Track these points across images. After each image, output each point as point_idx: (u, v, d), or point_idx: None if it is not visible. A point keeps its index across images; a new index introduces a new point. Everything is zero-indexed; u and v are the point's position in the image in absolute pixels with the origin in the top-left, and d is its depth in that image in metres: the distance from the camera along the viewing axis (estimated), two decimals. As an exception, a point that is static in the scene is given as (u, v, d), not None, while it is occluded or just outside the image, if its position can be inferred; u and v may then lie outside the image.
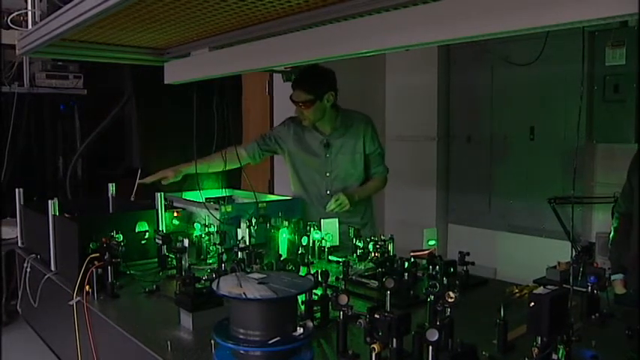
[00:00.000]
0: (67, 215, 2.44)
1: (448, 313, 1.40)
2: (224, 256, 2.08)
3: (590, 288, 1.70)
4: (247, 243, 2.41)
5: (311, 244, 2.48)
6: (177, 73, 2.64)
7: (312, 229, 2.52)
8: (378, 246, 2.29)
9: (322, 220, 2.61)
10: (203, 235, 2.48)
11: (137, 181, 3.03)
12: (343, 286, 1.97)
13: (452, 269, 2.06)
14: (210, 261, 2.42)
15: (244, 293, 1.32)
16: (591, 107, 3.91)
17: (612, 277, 2.52)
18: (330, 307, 1.64)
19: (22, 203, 2.96)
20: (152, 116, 4.68)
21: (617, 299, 2.33)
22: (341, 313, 1.43)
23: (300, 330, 1.33)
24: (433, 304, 1.49)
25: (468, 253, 2.10)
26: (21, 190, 2.96)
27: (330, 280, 1.80)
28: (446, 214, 5.09)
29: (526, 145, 4.41)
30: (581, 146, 3.98)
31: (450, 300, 1.39)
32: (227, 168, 3.00)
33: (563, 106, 4.07)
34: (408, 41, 1.50)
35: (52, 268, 2.39)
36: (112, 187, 3.11)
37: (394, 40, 1.54)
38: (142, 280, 2.16)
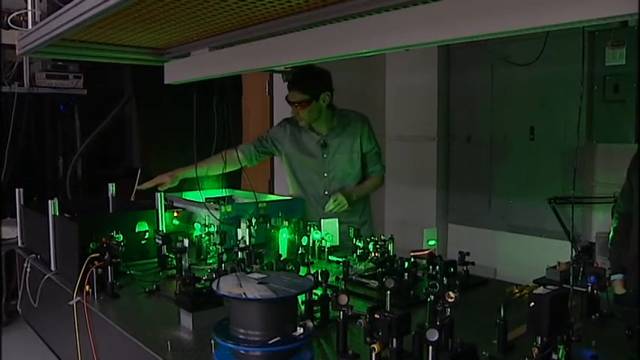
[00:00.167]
0: (67, 215, 2.44)
1: (448, 313, 1.40)
2: (224, 256, 2.08)
3: (590, 288, 1.70)
4: (247, 243, 2.41)
5: (311, 244, 2.48)
6: (177, 73, 2.64)
7: (312, 229, 2.52)
8: (378, 246, 2.29)
9: (322, 220, 2.62)
10: (203, 235, 2.48)
11: (136, 182, 3.03)
12: (343, 286, 1.97)
13: (452, 269, 2.06)
14: (210, 261, 2.41)
15: (244, 293, 1.32)
16: (591, 107, 3.92)
17: (612, 278, 2.52)
18: (330, 307, 1.64)
19: (22, 203, 2.96)
20: (152, 116, 4.68)
21: (617, 299, 2.33)
22: (341, 313, 1.43)
23: (300, 330, 1.33)
24: (433, 304, 1.49)
25: (468, 253, 2.10)
26: (21, 190, 2.96)
27: (330, 280, 1.80)
28: (446, 214, 5.09)
29: (526, 145, 4.41)
30: (581, 146, 3.98)
31: (450, 300, 1.39)
32: (226, 170, 3.00)
33: (563, 106, 4.07)
34: (408, 41, 1.50)
35: (52, 268, 2.39)
36: (112, 187, 3.11)
37: (394, 40, 1.54)
38: (142, 280, 2.16)
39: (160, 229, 2.46)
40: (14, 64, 4.33)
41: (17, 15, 2.50)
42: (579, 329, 1.35)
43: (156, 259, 2.37)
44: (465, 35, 1.34)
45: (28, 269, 2.60)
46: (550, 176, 4.18)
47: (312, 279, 1.59)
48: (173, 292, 1.84)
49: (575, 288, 1.69)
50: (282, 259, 2.13)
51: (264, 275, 1.47)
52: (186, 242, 2.19)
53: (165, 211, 2.52)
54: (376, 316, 1.28)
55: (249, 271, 1.83)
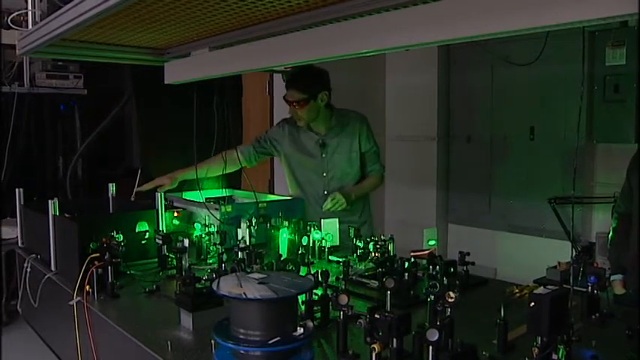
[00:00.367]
0: (67, 215, 2.44)
1: (448, 313, 1.40)
2: (224, 256, 2.08)
3: (590, 288, 1.70)
4: (247, 243, 2.41)
5: (311, 244, 2.48)
6: (177, 73, 2.64)
7: (312, 229, 2.52)
8: (378, 246, 2.29)
9: (322, 220, 2.62)
10: (203, 235, 2.48)
11: (137, 183, 3.03)
12: (343, 286, 1.97)
13: (452, 269, 2.06)
14: (211, 261, 2.41)
15: (244, 293, 1.32)
16: (591, 107, 3.92)
17: (612, 278, 2.52)
18: (331, 307, 1.64)
19: (22, 203, 2.96)
20: (152, 116, 4.69)
21: (617, 300, 2.32)
22: (341, 313, 1.43)
23: (300, 330, 1.33)
24: (433, 304, 1.49)
25: (468, 253, 2.10)
26: (21, 190, 2.96)
27: (330, 280, 1.80)
28: (446, 214, 5.09)
29: (526, 145, 4.41)
30: (582, 146, 3.98)
31: (450, 300, 1.39)
32: (226, 171, 3.00)
33: (564, 106, 4.07)
34: (408, 41, 1.50)
35: (52, 268, 2.39)
36: (112, 187, 3.11)
37: (394, 40, 1.54)
38: (142, 280, 2.16)
39: (160, 229, 2.46)
40: (14, 64, 4.33)
41: (17, 15, 2.50)
42: (579, 329, 1.35)
43: (156, 259, 2.37)
44: (465, 35, 1.34)
45: (29, 269, 2.60)
46: (550, 176, 4.18)
47: (313, 279, 1.59)
48: (173, 292, 1.84)
49: (575, 288, 1.69)
50: (282, 259, 2.13)
51: (265, 275, 1.48)
52: (186, 242, 2.19)
53: (165, 211, 2.52)
54: (376, 316, 1.28)
55: (249, 271, 1.83)
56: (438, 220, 5.00)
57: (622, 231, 2.61)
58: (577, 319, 1.60)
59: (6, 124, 4.27)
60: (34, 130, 4.51)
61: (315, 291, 1.67)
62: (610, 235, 2.71)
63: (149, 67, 2.78)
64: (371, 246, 2.32)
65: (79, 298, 1.97)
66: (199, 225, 2.51)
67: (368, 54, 1.70)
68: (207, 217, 2.61)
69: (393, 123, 5.19)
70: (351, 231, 2.50)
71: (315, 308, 1.66)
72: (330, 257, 2.48)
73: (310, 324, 1.36)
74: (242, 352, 1.33)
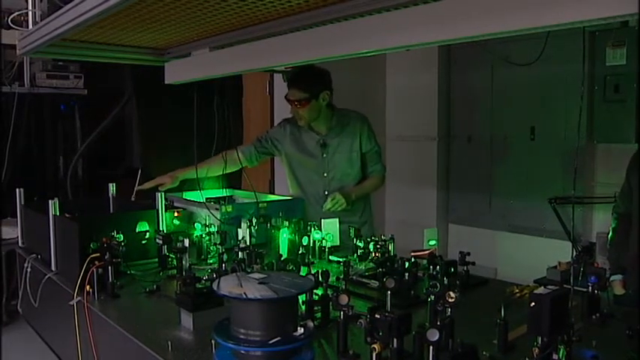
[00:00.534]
0: (67, 215, 2.44)
1: (449, 313, 1.40)
2: (224, 256, 2.08)
3: (590, 288, 1.70)
4: (248, 243, 2.41)
5: (311, 244, 2.48)
6: (177, 73, 2.64)
7: (312, 229, 2.52)
8: (378, 246, 2.29)
9: (323, 220, 2.62)
10: (203, 235, 2.48)
11: (137, 183, 3.03)
12: (344, 286, 1.97)
13: (452, 269, 2.06)
14: (211, 261, 2.41)
15: (245, 293, 1.32)
16: (592, 107, 3.92)
17: (611, 278, 2.52)
18: (331, 307, 1.64)
19: (22, 203, 2.96)
20: (152, 116, 4.68)
21: (617, 300, 2.32)
22: (341, 313, 1.43)
23: (300, 330, 1.33)
24: (434, 304, 1.49)
25: (468, 253, 2.10)
26: (21, 190, 2.96)
27: (330, 280, 1.80)
28: (446, 214, 5.09)
29: (526, 145, 4.41)
30: (582, 146, 3.98)
31: (450, 300, 1.39)
32: (226, 171, 3.00)
33: (564, 106, 4.07)
34: (408, 41, 1.50)
35: (53, 268, 2.39)
36: (112, 187, 3.11)
37: (394, 40, 1.54)
38: (143, 280, 2.16)
39: (161, 229, 2.47)
40: (15, 64, 4.33)
41: (18, 15, 2.50)
42: (580, 329, 1.36)
43: (156, 259, 2.37)
44: (466, 35, 1.34)
45: (29, 269, 2.60)
46: (550, 176, 4.18)
47: (313, 279, 1.59)
48: (173, 292, 1.84)
49: (575, 288, 1.69)
50: (282, 259, 2.13)
51: (265, 275, 1.48)
52: (186, 242, 2.19)
53: (165, 211, 2.52)
54: (377, 316, 1.28)
55: (249, 271, 1.83)
56: (438, 220, 5.00)
57: (622, 231, 2.61)
58: (577, 319, 1.60)
59: (6, 124, 4.27)
60: (35, 130, 4.51)
61: (315, 291, 1.67)
62: (610, 236, 2.71)
63: (149, 67, 2.78)
64: (371, 246, 2.32)
65: (79, 298, 1.97)
66: (200, 225, 2.51)
67: (368, 54, 1.70)
68: (207, 217, 2.61)
69: (394, 123, 5.19)
70: (352, 231, 2.50)
71: (316, 308, 1.66)
72: (331, 257, 2.48)
73: (310, 324, 1.36)
74: (242, 352, 1.33)
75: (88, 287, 1.98)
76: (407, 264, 2.00)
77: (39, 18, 2.25)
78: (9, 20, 2.53)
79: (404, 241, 2.44)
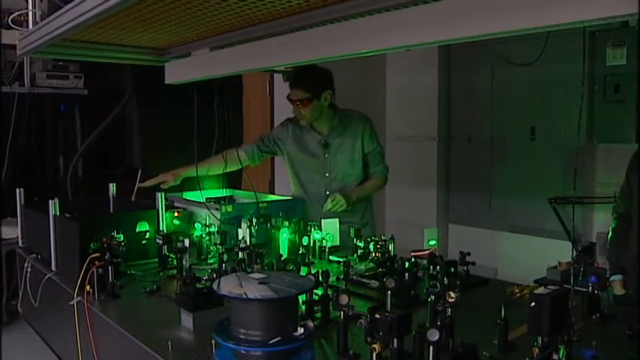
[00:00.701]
0: (67, 215, 2.44)
1: (449, 313, 1.40)
2: (225, 256, 2.07)
3: (590, 288, 1.70)
4: (248, 243, 2.41)
5: (312, 244, 2.48)
6: (177, 73, 2.64)
7: (312, 229, 2.51)
8: (378, 246, 2.29)
9: (323, 220, 2.62)
10: (204, 235, 2.48)
11: (137, 182, 3.03)
12: (344, 286, 1.97)
13: (452, 269, 2.06)
14: (211, 261, 2.41)
15: (245, 293, 1.32)
16: (592, 107, 3.92)
17: (611, 278, 2.51)
18: (331, 307, 1.64)
19: (22, 203, 2.96)
20: (153, 116, 4.68)
21: (616, 300, 2.32)
22: (341, 313, 1.43)
23: (300, 330, 1.33)
24: (434, 304, 1.49)
25: (468, 253, 2.10)
26: (21, 189, 2.96)
27: (330, 280, 1.80)
28: (446, 214, 5.09)
29: (526, 145, 4.41)
30: (582, 146, 3.98)
31: (450, 300, 1.39)
32: (227, 170, 3.00)
33: (564, 106, 4.07)
34: (408, 41, 1.50)
35: (53, 268, 2.39)
36: (112, 187, 3.11)
37: (394, 40, 1.54)
38: (143, 280, 2.16)
39: (161, 229, 2.47)
40: (15, 64, 4.33)
41: (18, 15, 2.50)
42: (580, 329, 1.35)
43: (156, 259, 2.37)
44: (466, 35, 1.34)
45: (29, 269, 2.60)
46: (550, 176, 4.17)
47: (313, 279, 1.59)
48: (174, 292, 1.84)
49: (575, 288, 1.69)
50: (282, 259, 2.13)
51: (265, 275, 1.48)
52: (186, 242, 2.19)
53: (165, 211, 2.52)
54: (377, 316, 1.28)
55: (249, 271, 1.83)
56: (438, 220, 5.00)
57: (621, 231, 2.60)
58: (577, 319, 1.60)
59: (6, 123, 4.27)
60: (35, 130, 4.51)
61: (315, 291, 1.67)
62: (609, 236, 2.70)
63: (149, 67, 2.78)
64: (371, 246, 2.32)
65: (79, 298, 1.97)
66: (200, 225, 2.51)
67: (368, 54, 1.70)
68: (207, 217, 2.61)
69: (394, 123, 5.19)
70: (352, 231, 2.50)
71: (316, 308, 1.66)
72: (331, 257, 2.48)
73: (311, 324, 1.36)
74: (242, 352, 1.33)
75: (88, 287, 1.98)
76: (407, 264, 2.00)
77: (39, 18, 2.25)
78: (9, 20, 2.53)
79: (404, 241, 2.44)
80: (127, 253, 2.17)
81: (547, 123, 4.25)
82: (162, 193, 2.51)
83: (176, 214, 2.76)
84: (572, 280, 2.35)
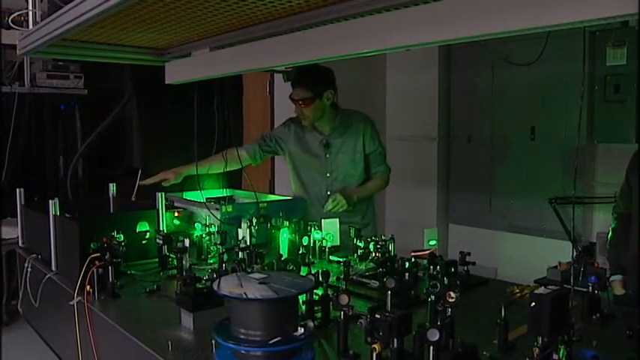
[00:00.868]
0: (67, 215, 2.44)
1: (449, 313, 1.40)
2: (225, 256, 2.08)
3: (590, 288, 1.70)
4: (248, 243, 2.41)
5: (312, 244, 2.48)
6: (177, 73, 2.65)
7: (312, 229, 2.51)
8: (378, 246, 2.29)
9: (323, 220, 2.62)
10: (204, 235, 2.48)
11: (138, 181, 3.03)
12: (344, 286, 1.96)
13: (452, 269, 2.06)
14: (211, 261, 2.41)
15: (245, 293, 1.32)
16: (592, 107, 3.92)
17: (611, 278, 2.51)
18: (331, 307, 1.64)
19: (22, 203, 2.96)
20: (153, 116, 4.69)
21: (616, 300, 2.32)
22: (342, 313, 1.43)
23: (300, 330, 1.33)
24: (434, 304, 1.49)
25: (468, 253, 2.10)
26: (22, 189, 2.97)
27: (330, 280, 1.80)
28: (446, 214, 5.09)
29: (527, 145, 4.41)
30: (582, 146, 3.98)
31: (450, 300, 1.39)
32: (228, 169, 3.00)
33: (564, 106, 4.07)
34: (408, 41, 1.50)
35: (53, 268, 2.39)
36: (112, 187, 3.11)
37: (395, 40, 1.54)
38: (143, 280, 2.16)
39: (161, 229, 2.47)
40: (15, 64, 4.33)
41: (18, 15, 2.50)
42: (580, 329, 1.35)
43: (156, 259, 2.37)
44: (466, 35, 1.34)
45: (29, 269, 2.60)
46: (551, 176, 4.17)
47: (313, 279, 1.59)
48: (174, 292, 1.84)
49: (575, 288, 1.69)
50: (282, 259, 2.13)
51: (265, 275, 1.48)
52: (186, 242, 2.19)
53: (165, 211, 2.52)
54: (377, 316, 1.28)
55: (249, 271, 1.83)
56: (438, 220, 5.00)
57: (621, 231, 2.60)
58: (577, 319, 1.60)
59: (7, 124, 4.27)
60: (35, 130, 4.51)
61: (315, 291, 1.67)
62: (609, 236, 2.70)
63: (150, 67, 2.78)
64: (371, 246, 2.32)
65: (79, 298, 1.97)
66: (200, 225, 2.51)
67: (368, 54, 1.70)
68: (207, 217, 2.61)
69: (394, 123, 5.19)
70: (352, 231, 2.50)
71: (316, 308, 1.66)
72: (331, 257, 2.48)
73: (311, 324, 1.36)
74: (243, 352, 1.33)
75: (88, 287, 1.98)
76: (407, 264, 2.00)
77: (39, 18, 2.25)
78: (9, 20, 2.53)
79: (404, 241, 2.44)
80: (127, 253, 2.17)
81: (547, 123, 4.25)
82: (163, 193, 2.51)
83: (176, 214, 2.76)
84: (572, 280, 2.36)
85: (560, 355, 1.22)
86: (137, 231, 2.42)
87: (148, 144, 4.77)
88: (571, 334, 1.24)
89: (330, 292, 1.70)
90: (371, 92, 5.11)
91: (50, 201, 2.38)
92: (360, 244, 2.42)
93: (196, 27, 2.07)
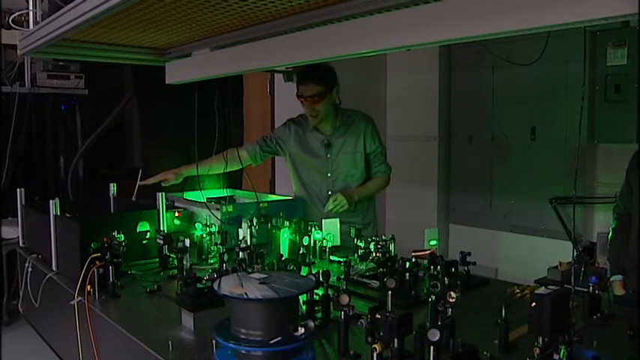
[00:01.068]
0: (68, 215, 2.44)
1: (449, 313, 1.40)
2: (225, 256, 2.08)
3: (591, 288, 1.70)
4: (248, 243, 2.41)
5: (312, 244, 2.48)
6: (178, 73, 2.65)
7: (313, 229, 2.51)
8: (379, 246, 2.29)
9: (323, 220, 2.62)
10: (204, 235, 2.48)
11: (138, 181, 3.03)
12: (344, 286, 1.97)
13: (453, 269, 2.05)
14: (212, 261, 2.42)
15: (246, 293, 1.32)
16: (593, 107, 3.91)
17: (611, 278, 2.51)
18: (332, 307, 1.64)
19: (23, 203, 2.96)
20: (153, 116, 4.69)
21: (617, 300, 2.32)
22: (342, 313, 1.43)
23: (301, 330, 1.33)
24: (434, 304, 1.48)
25: (469, 253, 2.10)
26: (22, 189, 2.97)
27: (331, 280, 1.80)
28: (447, 214, 5.09)
29: (527, 145, 4.41)
30: (583, 146, 3.97)
31: (451, 300, 1.39)
32: (228, 169, 3.00)
33: (565, 106, 4.07)
34: (408, 41, 1.50)
35: (54, 267, 2.39)
36: (113, 187, 3.11)
37: (395, 40, 1.54)
38: (143, 280, 2.16)
39: (162, 229, 2.47)
40: (16, 64, 4.34)
41: (18, 15, 2.51)
42: (581, 329, 1.35)
43: (157, 259, 2.37)
44: (466, 35, 1.34)
45: (30, 269, 2.60)
46: (551, 176, 4.17)
47: (314, 279, 1.60)
48: (174, 292, 1.84)
49: (576, 288, 1.69)
50: (283, 259, 2.13)
51: (266, 275, 1.48)
52: (187, 242, 2.19)
53: (166, 211, 2.52)
54: (377, 316, 1.28)
55: (250, 271, 1.83)
56: (439, 220, 4.99)
57: (621, 231, 2.60)
58: (578, 319, 1.60)
59: (7, 124, 4.28)
60: (36, 130, 4.52)
61: (316, 291, 1.67)
62: (610, 236, 2.70)
63: (150, 67, 2.78)
64: (372, 246, 2.32)
65: (80, 298, 1.97)
66: (200, 225, 2.51)
67: (368, 54, 1.70)
68: (208, 217, 2.61)
69: (394, 123, 5.19)
70: (352, 231, 2.50)
71: (317, 308, 1.66)
72: (331, 257, 2.49)
73: (311, 324, 1.36)
74: (243, 352, 1.33)
75: (88, 287, 1.99)
76: (408, 264, 1.99)
77: (40, 18, 2.25)
78: (10, 20, 2.54)
79: (405, 241, 2.43)
80: (127, 253, 2.18)
81: (548, 123, 4.24)
82: (163, 193, 2.52)
83: (177, 214, 2.76)
84: (572, 280, 2.35)
85: (561, 355, 1.22)
86: (138, 231, 2.42)
87: (149, 144, 4.77)
88: (571, 334, 1.24)
89: (330, 292, 1.69)
90: (371, 92, 5.10)
91: (51, 201, 2.38)
92: (360, 244, 2.42)
93: (197, 27, 2.07)
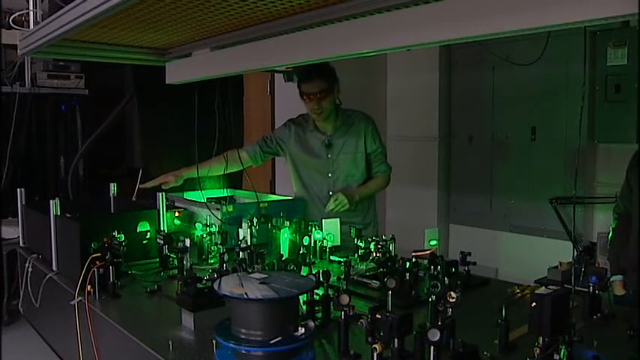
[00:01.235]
0: (68, 215, 2.44)
1: (450, 313, 1.40)
2: (225, 256, 2.08)
3: (591, 288, 1.70)
4: (249, 243, 2.41)
5: (312, 244, 2.48)
6: (178, 73, 2.65)
7: (313, 229, 2.51)
8: (379, 246, 2.29)
9: (323, 220, 2.62)
10: (204, 235, 2.48)
11: (138, 182, 3.03)
12: (344, 286, 1.96)
13: (453, 269, 2.05)
14: (212, 261, 2.42)
15: (246, 293, 1.32)
16: (593, 107, 3.91)
17: (612, 279, 2.51)
18: (332, 307, 1.64)
19: (23, 203, 2.96)
20: (153, 116, 4.69)
21: (617, 300, 2.32)
22: (342, 313, 1.43)
23: (301, 330, 1.33)
24: (435, 304, 1.48)
25: (469, 253, 2.10)
26: (22, 189, 2.97)
27: (331, 280, 1.80)
28: (447, 214, 5.09)
29: (527, 145, 4.41)
30: (583, 146, 3.97)
31: (451, 300, 1.39)
32: (228, 171, 3.00)
33: (565, 106, 4.06)
34: (408, 41, 1.50)
35: (54, 267, 2.39)
36: (113, 187, 3.11)
37: (395, 40, 1.54)
38: (144, 280, 2.16)
39: (162, 229, 2.47)
40: (16, 64, 4.34)
41: (19, 15, 2.51)
42: (581, 329, 1.35)
43: (157, 259, 2.37)
44: (466, 35, 1.34)
45: (30, 269, 2.60)
46: (551, 176, 4.17)
47: (314, 279, 1.60)
48: (174, 292, 1.84)
49: (576, 288, 1.69)
50: (283, 259, 2.13)
51: (266, 275, 1.48)
52: (187, 242, 2.19)
53: (166, 211, 2.52)
54: (378, 316, 1.28)
55: (250, 271, 1.83)
56: (439, 220, 4.99)
57: (621, 231, 2.60)
58: (578, 319, 1.60)
59: (7, 124, 4.28)
60: (36, 130, 4.52)
61: (316, 291, 1.67)
62: (610, 236, 2.71)
63: (150, 67, 2.78)
64: (372, 246, 2.32)
65: (80, 298, 1.97)
66: (200, 225, 2.51)
67: (368, 54, 1.70)
68: (208, 217, 2.61)
69: (394, 123, 5.19)
70: (353, 231, 2.50)
71: (317, 308, 1.66)
72: (332, 257, 2.48)
73: (311, 324, 1.36)
74: (243, 352, 1.33)
75: (89, 287, 1.99)
76: (408, 264, 1.99)
77: (40, 18, 2.25)
78: (10, 20, 2.54)
79: (405, 241, 2.43)
80: (127, 253, 2.18)
81: (548, 123, 4.24)
82: (163, 193, 2.52)
83: (177, 214, 2.76)
84: (573, 280, 2.35)
85: (561, 355, 1.22)
86: (138, 231, 2.42)
87: (149, 144, 4.77)
88: (572, 334, 1.24)
89: (330, 292, 1.69)
90: (371, 92, 5.10)
91: (51, 201, 2.38)
92: (360, 244, 2.42)
93: (197, 27, 2.07)
